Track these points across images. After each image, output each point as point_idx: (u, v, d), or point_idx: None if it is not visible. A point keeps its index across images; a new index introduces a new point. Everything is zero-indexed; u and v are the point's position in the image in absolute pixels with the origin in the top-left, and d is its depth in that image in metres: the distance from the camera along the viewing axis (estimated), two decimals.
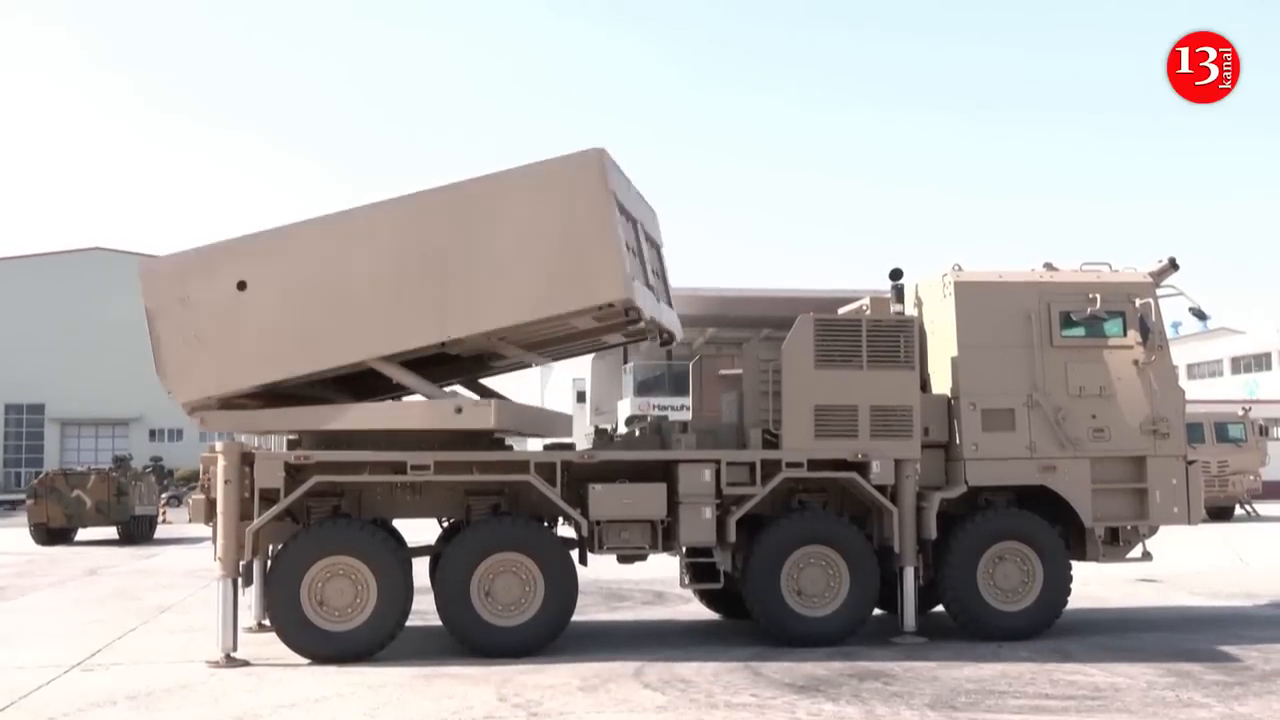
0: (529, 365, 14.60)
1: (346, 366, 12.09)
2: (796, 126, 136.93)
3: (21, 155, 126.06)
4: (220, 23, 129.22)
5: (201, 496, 12.47)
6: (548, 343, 13.37)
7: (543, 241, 11.44)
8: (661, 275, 13.31)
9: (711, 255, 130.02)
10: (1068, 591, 13.10)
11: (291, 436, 12.74)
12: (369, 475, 12.10)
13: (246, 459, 11.97)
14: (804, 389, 12.68)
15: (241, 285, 11.98)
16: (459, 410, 11.80)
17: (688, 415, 15.25)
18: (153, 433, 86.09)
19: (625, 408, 41.24)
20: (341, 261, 11.91)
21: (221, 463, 11.91)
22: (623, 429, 14.82)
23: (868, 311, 14.00)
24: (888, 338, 12.81)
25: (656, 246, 13.33)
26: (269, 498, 11.83)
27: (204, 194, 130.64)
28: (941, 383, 13.36)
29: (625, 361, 46.25)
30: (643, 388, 45.07)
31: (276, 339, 11.93)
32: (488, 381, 14.62)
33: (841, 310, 14.73)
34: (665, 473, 12.46)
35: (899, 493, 12.72)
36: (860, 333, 12.79)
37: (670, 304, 13.39)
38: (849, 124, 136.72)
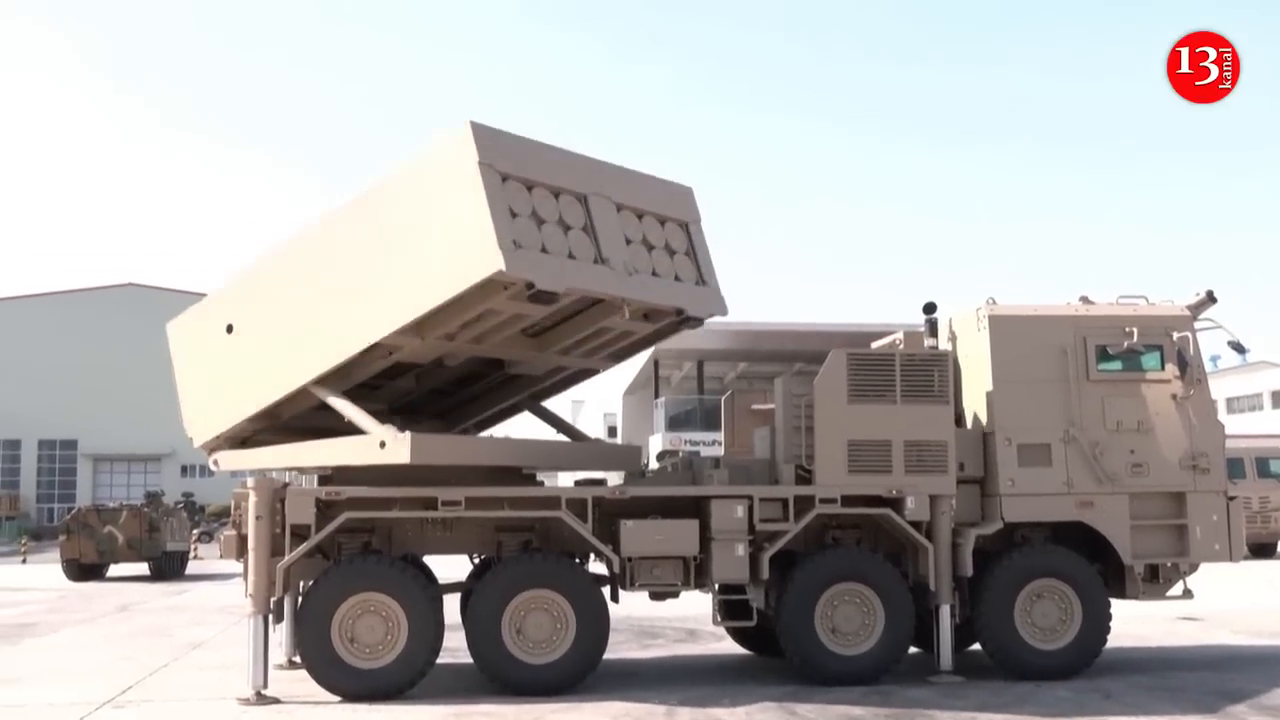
0: (592, 371, 13.89)
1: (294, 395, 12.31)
2: (829, 157, 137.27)
3: (53, 190, 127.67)
4: (250, 54, 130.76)
5: (233, 532, 12.51)
6: (580, 344, 12.91)
7: (430, 227, 11.21)
8: (683, 251, 12.51)
9: (743, 289, 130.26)
10: (1107, 630, 12.95)
11: (324, 472, 12.81)
12: (400, 511, 12.12)
13: (278, 495, 12.01)
14: (837, 424, 12.63)
15: (229, 328, 12.71)
16: (382, 445, 11.57)
17: (720, 450, 15.21)
18: (184, 468, 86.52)
19: (657, 443, 41.20)
20: (287, 289, 12.35)
21: (253, 499, 11.95)
22: (654, 464, 14.79)
23: (901, 346, 13.95)
24: (922, 372, 12.76)
25: (672, 220, 12.51)
26: (300, 534, 11.86)
27: (240, 224, 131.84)
28: (976, 418, 13.28)
29: (656, 396, 46.26)
30: (674, 422, 45.03)
31: (252, 374, 12.48)
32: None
33: (875, 344, 14.68)
34: (697, 509, 12.42)
35: (934, 529, 12.64)
36: (894, 367, 12.74)
37: (703, 280, 12.58)
38: (882, 154, 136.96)
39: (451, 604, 13.02)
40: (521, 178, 11.04)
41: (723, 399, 15.86)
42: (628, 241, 11.82)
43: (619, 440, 48.45)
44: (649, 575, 12.26)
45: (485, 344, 12.18)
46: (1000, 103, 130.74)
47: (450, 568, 13.62)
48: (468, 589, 13.24)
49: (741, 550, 12.20)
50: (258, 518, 11.88)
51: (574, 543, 12.46)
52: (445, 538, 12.66)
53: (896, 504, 12.59)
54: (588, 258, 11.37)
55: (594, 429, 50.88)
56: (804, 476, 12.77)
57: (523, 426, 15.44)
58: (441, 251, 11.01)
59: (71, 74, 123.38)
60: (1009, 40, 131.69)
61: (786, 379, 13.72)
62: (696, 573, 12.32)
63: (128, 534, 31.26)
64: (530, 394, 14.01)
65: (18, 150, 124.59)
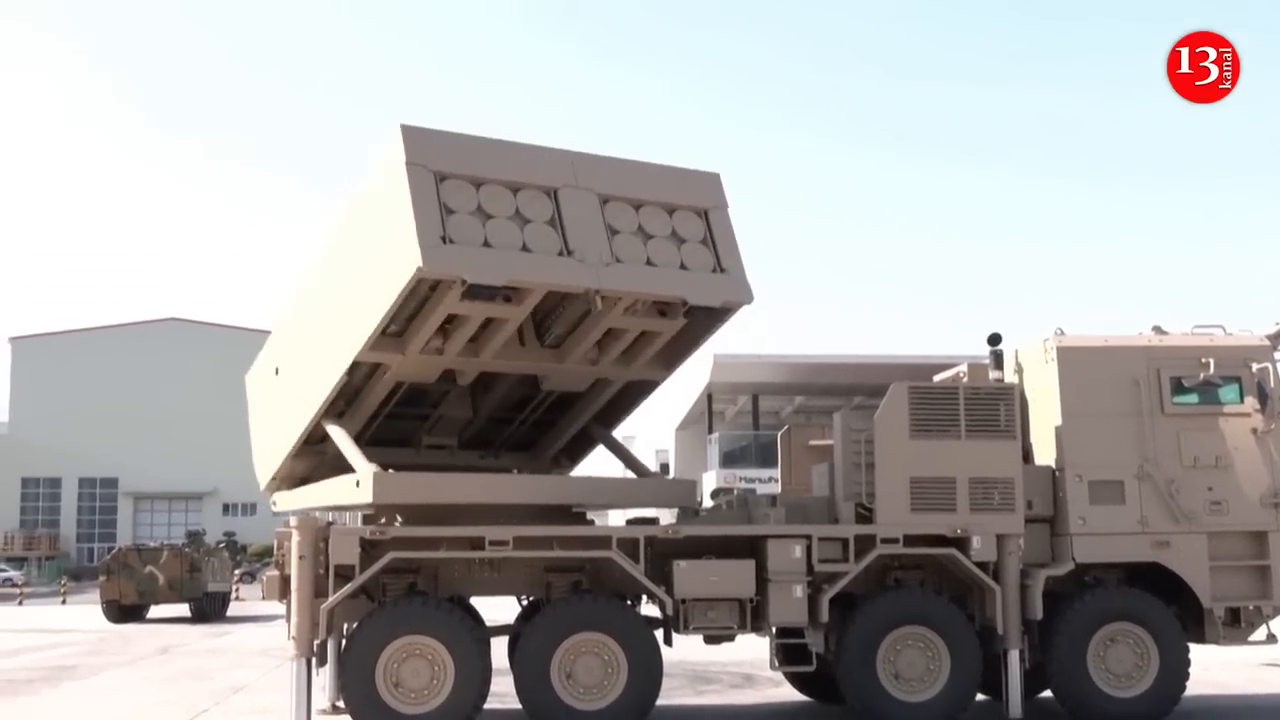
0: (649, 385, 13.70)
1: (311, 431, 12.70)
2: (886, 184, 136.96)
3: (91, 223, 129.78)
4: (284, 85, 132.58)
5: (275, 573, 12.59)
6: (602, 350, 12.73)
7: (376, 236, 11.50)
8: (698, 239, 12.24)
9: (799, 320, 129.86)
10: (1185, 676, 12.76)
11: (367, 511, 12.90)
12: (446, 551, 12.16)
13: (321, 534, 12.08)
14: (899, 460, 12.56)
15: (276, 370, 13.34)
16: (358, 484, 11.76)
17: (776, 488, 15.18)
18: (226, 507, 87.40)
19: (710, 480, 41.07)
20: (305, 320, 12.94)
21: (296, 538, 12.03)
22: (708, 502, 14.77)
23: (965, 378, 13.87)
24: (987, 406, 12.68)
25: (686, 208, 12.28)
26: (344, 574, 11.90)
27: (284, 253, 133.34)
28: (1045, 453, 13.17)
29: (710, 431, 46.18)
30: (728, 459, 44.86)
31: (288, 412, 12.96)
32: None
33: (937, 377, 14.62)
34: (753, 549, 12.38)
35: (1002, 570, 12.53)
36: (958, 401, 12.68)
37: (721, 268, 12.22)
38: (942, 180, 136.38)
39: (499, 647, 13.02)
40: (467, 175, 11.22)
41: (779, 434, 15.83)
42: (613, 232, 11.72)
43: (671, 478, 48.41)
44: (703, 618, 12.22)
45: (484, 356, 12.13)
46: (1055, 122, 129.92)
47: (498, 610, 13.63)
48: (516, 632, 13.25)
49: (800, 592, 12.14)
50: (301, 558, 11.95)
51: (626, 584, 12.43)
52: (493, 579, 12.68)
53: (962, 544, 12.49)
54: (550, 250, 11.38)
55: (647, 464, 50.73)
56: (864, 515, 12.71)
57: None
58: (382, 257, 11.27)
59: (106, 109, 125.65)
60: (1042, 59, 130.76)
61: (845, 413, 13.68)
62: (753, 615, 12.26)
63: (169, 574, 31.59)
64: (596, 418, 13.94)
65: (56, 185, 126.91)
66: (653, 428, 49.17)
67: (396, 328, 11.68)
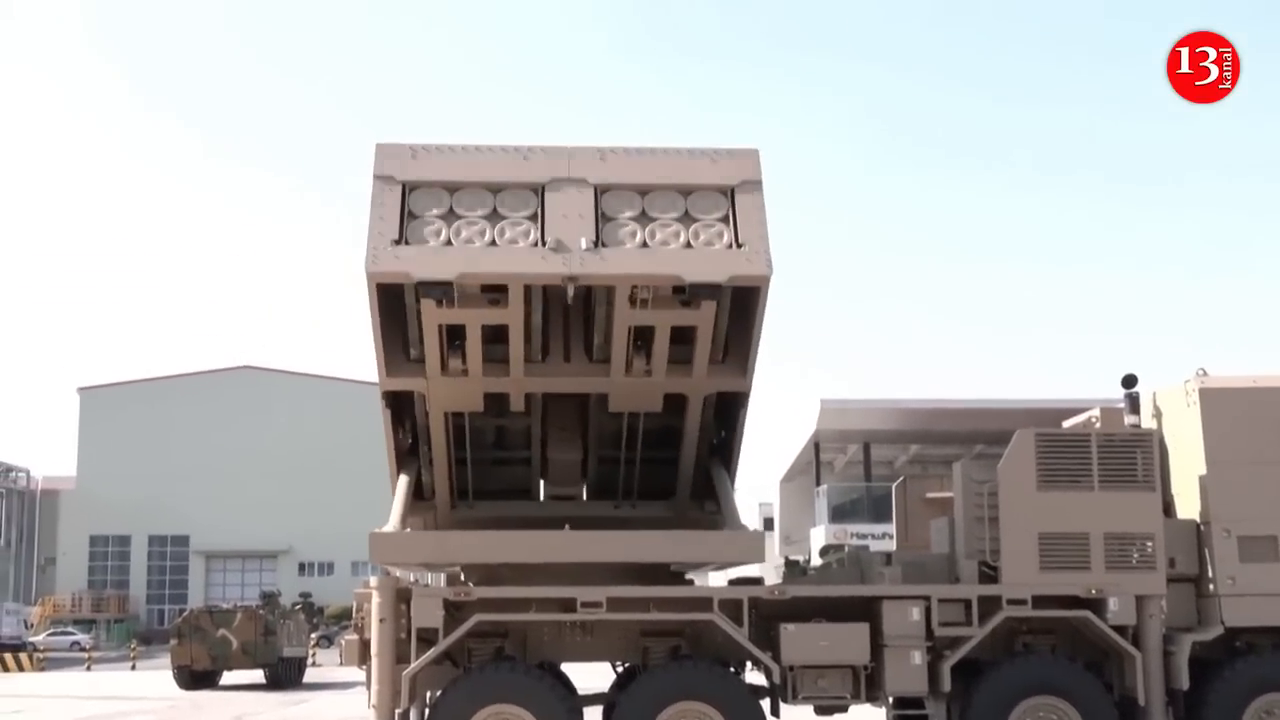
0: (737, 397, 13.35)
1: None
2: (1003, 213, 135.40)
3: (165, 269, 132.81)
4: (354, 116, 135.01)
5: (354, 637, 12.73)
6: (639, 353, 12.55)
7: None
8: (717, 217, 12.08)
9: (913, 363, 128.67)
10: None
11: (454, 571, 13.02)
12: (535, 613, 12.21)
13: (403, 595, 12.21)
14: (1026, 514, 12.45)
15: None
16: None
17: (891, 544, 15.09)
18: (302, 566, 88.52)
19: (819, 536, 40.80)
20: None
21: (376, 600, 12.17)
22: (817, 561, 14.70)
23: (1098, 424, 13.72)
24: (1123, 454, 12.56)
25: (706, 188, 12.16)
26: (427, 638, 12.02)
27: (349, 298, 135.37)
28: (1188, 506, 12.97)
29: (818, 483, 45.88)
30: (838, 513, 44.53)
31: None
32: None
33: (1067, 423, 14.47)
34: (867, 611, 12.31)
35: (1142, 635, 12.35)
36: (1090, 449, 12.57)
37: (738, 244, 11.93)
38: (1066, 207, 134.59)
39: (593, 717, 13.02)
40: (440, 182, 11.82)
41: (893, 486, 15.77)
42: (607, 219, 11.79)
43: (776, 534, 48.11)
44: (813, 686, 12.15)
45: (515, 373, 12.26)
46: (1185, 145, 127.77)
47: (591, 676, 13.64)
48: (611, 701, 13.26)
49: (918, 658, 12.05)
50: (381, 620, 12.08)
51: (728, 649, 12.40)
52: (585, 643, 12.72)
53: (1097, 605, 12.33)
54: (525, 242, 11.64)
55: (748, 519, 50.57)
56: (988, 574, 12.60)
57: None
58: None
59: (165, 145, 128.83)
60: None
61: (966, 463, 13.61)
62: (867, 684, 12.19)
63: (242, 638, 32.02)
64: (715, 455, 13.92)
65: (122, 230, 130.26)
66: (756, 479, 48.98)
67: (417, 353, 12.17)
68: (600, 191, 11.87)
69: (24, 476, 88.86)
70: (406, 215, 11.59)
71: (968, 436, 41.49)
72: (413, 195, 11.70)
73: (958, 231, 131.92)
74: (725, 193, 12.03)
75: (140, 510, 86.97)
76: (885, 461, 48.56)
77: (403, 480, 13.04)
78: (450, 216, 11.64)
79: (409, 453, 13.54)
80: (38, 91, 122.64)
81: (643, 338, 12.11)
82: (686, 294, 11.63)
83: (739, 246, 11.72)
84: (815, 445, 45.44)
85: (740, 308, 12.12)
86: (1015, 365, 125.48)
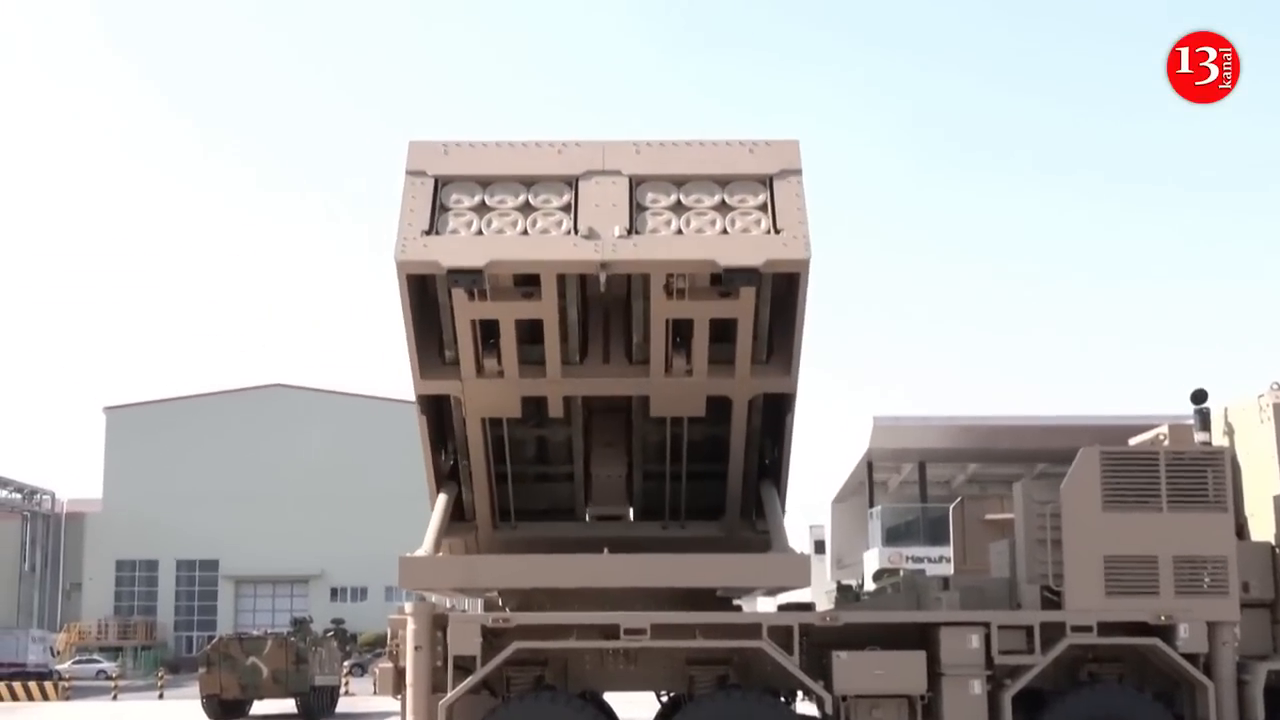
0: (785, 396, 13.34)
1: None
2: (1058, 220, 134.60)
3: (193, 284, 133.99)
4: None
5: (389, 665, 12.79)
6: (678, 351, 12.65)
7: None
8: (755, 205, 12.20)
9: (971, 377, 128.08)
10: None
11: (490, 596, 13.06)
12: (576, 641, 12.22)
13: (439, 622, 12.26)
14: (1091, 536, 12.40)
15: None
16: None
17: (948, 568, 15.03)
18: (334, 591, 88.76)
19: (873, 560, 40.68)
20: None
21: (411, 626, 12.23)
22: (871, 585, 14.66)
23: (1166, 442, 13.65)
24: (1192, 473, 12.50)
25: (743, 177, 12.32)
26: (464, 667, 12.07)
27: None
28: (1263, 528, 12.94)
29: (871, 504, 45.74)
30: (893, 535, 44.37)
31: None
32: None
33: (1133, 441, 14.40)
34: (924, 638, 12.28)
35: (1214, 663, 12.27)
36: (1158, 467, 12.52)
37: (775, 230, 12.05)
38: (1129, 217, 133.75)
39: None
40: (473, 176, 12.16)
41: (951, 507, 15.74)
42: (640, 209, 11.93)
43: (828, 558, 47.97)
44: (867, 717, 12.12)
45: (552, 373, 12.36)
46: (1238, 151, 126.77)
47: (635, 707, 13.63)
48: None
49: (978, 688, 12.02)
50: (416, 648, 12.14)
51: (778, 678, 12.39)
52: (629, 671, 12.72)
53: (1166, 633, 12.26)
54: (557, 232, 11.83)
55: (798, 542, 50.47)
56: (1051, 599, 12.55)
57: None
58: None
59: (190, 156, 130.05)
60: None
61: (1027, 483, 13.56)
62: (924, 714, 12.15)
63: (273, 666, 32.11)
64: (764, 475, 13.90)
65: (147, 244, 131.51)
66: (807, 500, 48.89)
67: (451, 355, 12.35)
68: (635, 183, 12.06)
69: (49, 499, 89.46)
70: (438, 208, 11.86)
71: (1029, 455, 41.29)
72: (444, 189, 12.00)
73: (1014, 240, 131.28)
74: (764, 181, 12.16)
75: (168, 534, 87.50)
76: (942, 481, 48.37)
77: (441, 499, 13.13)
78: (482, 209, 11.92)
79: (449, 476, 13.63)
80: (51, 102, 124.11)
81: (681, 333, 12.17)
82: (724, 282, 11.62)
83: (777, 233, 11.80)
84: (868, 464, 45.32)
85: (781, 301, 12.18)
86: (1079, 380, 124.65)
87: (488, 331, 12.08)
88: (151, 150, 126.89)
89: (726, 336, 12.23)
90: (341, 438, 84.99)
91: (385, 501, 74.04)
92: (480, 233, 11.76)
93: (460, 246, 11.60)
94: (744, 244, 11.70)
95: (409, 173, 12.11)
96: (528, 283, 11.76)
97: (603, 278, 11.71)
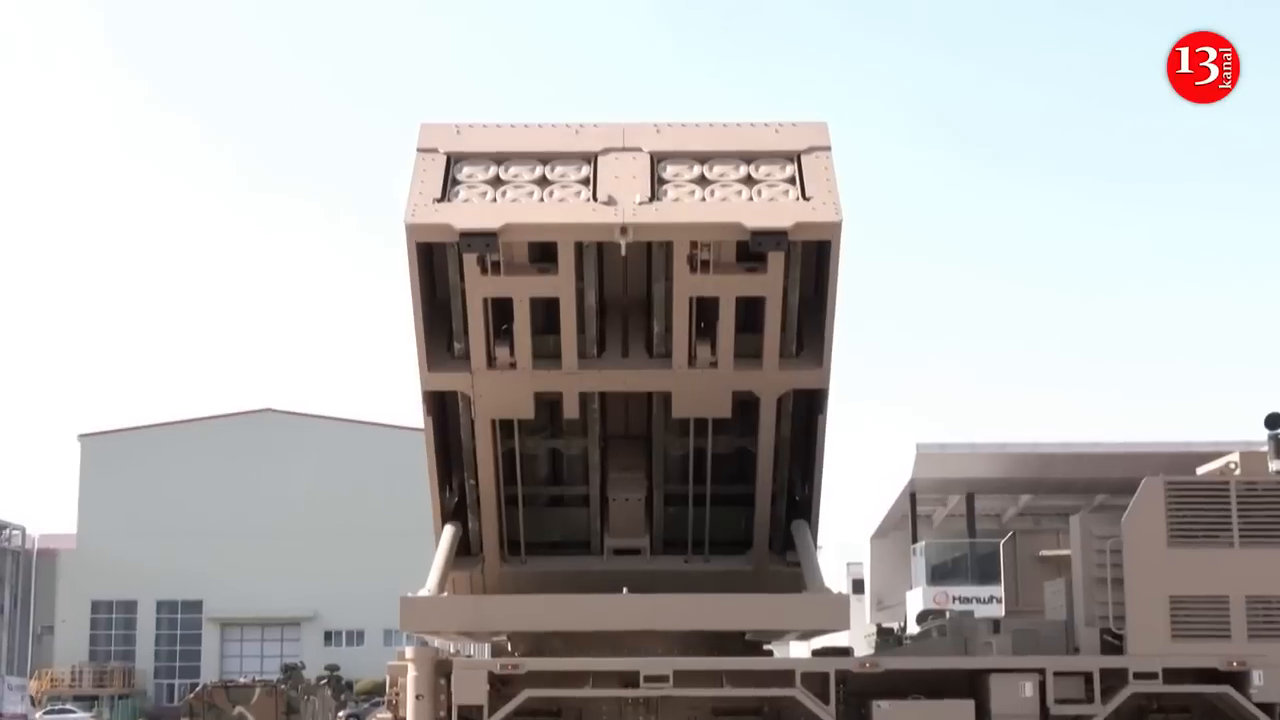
0: (818, 392, 13.44)
1: None
2: (1116, 233, 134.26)
3: (172, 305, 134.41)
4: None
5: (388, 715, 12.81)
6: (702, 338, 12.76)
7: None
8: (782, 179, 12.41)
9: (1022, 401, 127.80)
10: None
11: (499, 639, 13.08)
12: (592, 689, 12.22)
13: (442, 668, 12.28)
14: (1155, 575, 12.39)
15: None
16: None
17: (999, 610, 15.00)
18: (329, 635, 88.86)
19: (916, 600, 40.63)
20: None
21: (412, 673, 12.24)
22: (914, 628, 14.64)
23: (1238, 470, 13.59)
24: (1267, 505, 12.48)
25: (768, 155, 12.58)
26: (470, 717, 12.06)
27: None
28: None
29: (914, 540, 45.66)
30: (938, 574, 44.31)
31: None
32: None
33: (1201, 470, 14.35)
34: (972, 686, 12.28)
35: None
36: (1229, 499, 12.49)
37: (805, 198, 12.34)
38: (1198, 228, 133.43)
39: None
40: (487, 153, 12.46)
41: (1001, 543, 15.70)
42: (661, 182, 12.14)
43: (867, 598, 47.86)
44: None
45: (568, 364, 12.47)
46: None
47: None
48: None
49: None
50: (418, 697, 12.15)
51: None
52: None
53: (1238, 680, 12.22)
54: (575, 201, 12.08)
55: (835, 581, 50.34)
56: (1112, 644, 12.54)
57: None
58: None
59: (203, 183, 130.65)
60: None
61: (1085, 516, 13.53)
62: None
63: (261, 716, 32.17)
64: (794, 511, 13.93)
65: (120, 262, 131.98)
66: (844, 536, 48.78)
67: (461, 347, 12.48)
68: (657, 159, 12.30)
69: (19, 535, 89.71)
70: (450, 182, 12.11)
71: (1086, 485, 41.23)
72: (457, 165, 12.27)
73: (1063, 253, 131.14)
74: (791, 158, 12.40)
75: (148, 572, 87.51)
76: (991, 514, 48.29)
77: (447, 533, 13.14)
78: (496, 183, 12.17)
79: (454, 513, 13.69)
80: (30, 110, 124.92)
81: (706, 318, 12.31)
82: (751, 247, 11.77)
83: (805, 200, 12.06)
84: (911, 496, 45.26)
85: (810, 285, 12.39)
86: (1140, 403, 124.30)
87: (500, 316, 12.24)
88: (135, 158, 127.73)
89: (753, 326, 12.37)
90: (337, 467, 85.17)
91: (384, 537, 74.33)
92: (494, 201, 12.04)
93: (474, 210, 11.85)
94: (772, 208, 11.95)
95: (420, 150, 12.35)
96: (544, 259, 12.00)
97: (623, 245, 11.75)
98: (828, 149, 12.46)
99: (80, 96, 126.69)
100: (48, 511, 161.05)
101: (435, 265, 12.38)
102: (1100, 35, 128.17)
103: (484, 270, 11.82)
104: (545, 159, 12.35)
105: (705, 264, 11.84)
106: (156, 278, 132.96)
